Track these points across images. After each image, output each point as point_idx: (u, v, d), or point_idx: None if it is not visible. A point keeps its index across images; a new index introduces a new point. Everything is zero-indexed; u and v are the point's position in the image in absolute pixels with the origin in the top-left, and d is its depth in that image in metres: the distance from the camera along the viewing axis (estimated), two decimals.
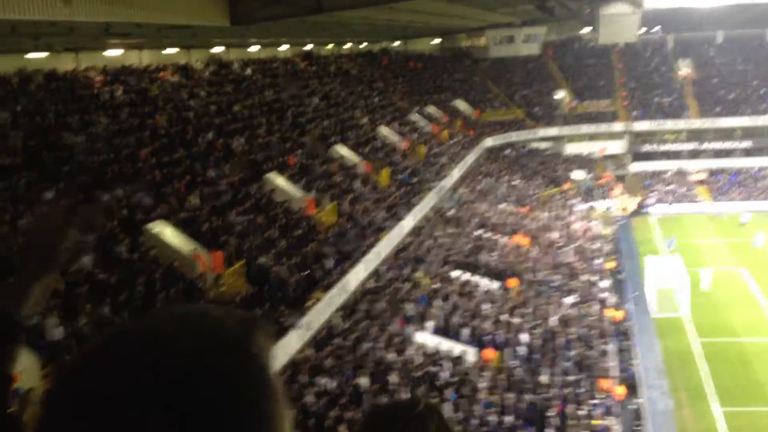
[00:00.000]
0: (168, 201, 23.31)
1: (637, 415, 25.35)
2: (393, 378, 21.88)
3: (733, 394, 27.52)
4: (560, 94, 68.96)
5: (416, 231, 35.67)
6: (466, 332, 27.23)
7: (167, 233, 21.72)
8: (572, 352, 27.34)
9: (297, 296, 22.26)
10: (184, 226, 22.35)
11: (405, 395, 21.11)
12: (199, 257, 20.86)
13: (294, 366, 20.53)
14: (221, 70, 39.06)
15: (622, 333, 31.39)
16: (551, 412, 22.65)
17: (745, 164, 62.16)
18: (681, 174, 62.36)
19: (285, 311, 21.12)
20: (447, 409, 21.09)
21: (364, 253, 27.88)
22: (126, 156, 24.86)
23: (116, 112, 27.93)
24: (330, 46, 56.19)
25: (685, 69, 70.41)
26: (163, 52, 36.14)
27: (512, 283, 33.08)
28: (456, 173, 46.46)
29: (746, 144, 63.40)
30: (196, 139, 28.61)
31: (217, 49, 40.12)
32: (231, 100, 35.12)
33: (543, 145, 64.98)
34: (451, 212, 40.75)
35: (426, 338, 26.17)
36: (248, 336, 0.99)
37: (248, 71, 40.80)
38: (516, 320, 29.06)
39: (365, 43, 63.66)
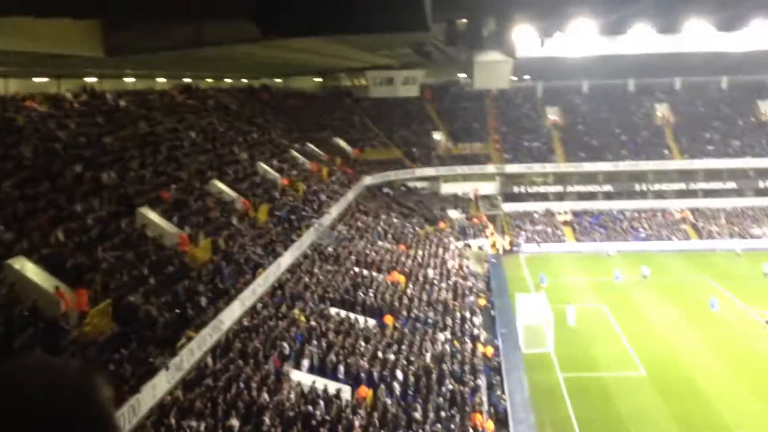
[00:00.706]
0: (30, 236, 22.21)
1: None
2: (266, 419, 21.54)
3: (595, 427, 28.85)
4: (437, 136, 71.07)
5: (294, 268, 35.53)
6: (342, 370, 27.24)
7: (29, 269, 20.66)
8: (445, 388, 27.87)
9: (167, 336, 21.62)
10: (47, 262, 21.33)
11: None
12: (62, 295, 19.93)
13: (162, 408, 19.85)
14: (93, 101, 37.82)
15: (492, 368, 32.32)
16: None
17: (606, 207, 66.11)
18: (548, 215, 65.42)
19: (154, 351, 20.46)
20: None
21: (239, 291, 27.49)
22: None
23: None
24: (209, 80, 55.61)
25: (553, 115, 74.32)
26: (33, 80, 34.69)
27: (388, 320, 33.46)
28: (335, 211, 46.77)
29: (607, 188, 67.50)
30: (63, 171, 27.47)
31: (90, 79, 38.89)
32: (102, 131, 34.02)
33: (420, 184, 66.62)
34: (330, 249, 40.88)
35: (301, 377, 25.97)
36: (91, 383, 1.09)
37: (122, 103, 39.71)
38: (391, 357, 29.36)
39: (246, 79, 63.39)
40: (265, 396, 22.90)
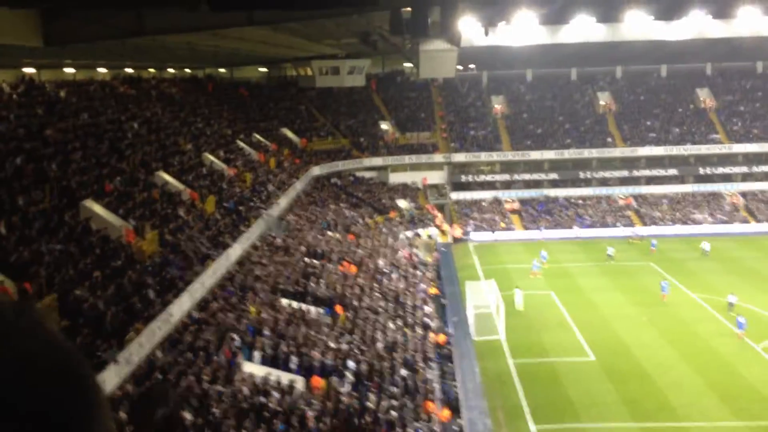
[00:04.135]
0: None
1: None
2: (218, 411, 21.25)
3: (547, 412, 29.22)
4: (384, 126, 71.03)
5: (243, 259, 35.11)
6: (294, 361, 27.05)
7: None
8: (397, 377, 27.92)
9: (115, 329, 21.13)
10: None
11: (232, 428, 20.59)
12: (5, 290, 19.29)
13: (112, 402, 19.40)
14: (32, 92, 36.65)
15: (444, 356, 32.50)
16: None
17: (552, 194, 67.08)
18: (496, 203, 66.06)
19: (102, 345, 19.98)
20: None
21: (188, 283, 27.04)
22: None
23: None
24: (152, 69, 54.46)
25: (498, 104, 74.96)
26: None
27: (340, 310, 33.34)
28: (283, 201, 46.39)
29: (553, 176, 68.46)
30: (4, 164, 26.57)
31: (28, 70, 37.72)
32: (43, 123, 33.00)
33: (368, 174, 66.54)
34: (279, 240, 40.52)
35: (254, 368, 25.70)
36: (33, 317, 0.97)
37: (62, 94, 38.58)
38: (344, 347, 29.27)
39: (189, 69, 62.32)
40: (218, 388, 22.59)
